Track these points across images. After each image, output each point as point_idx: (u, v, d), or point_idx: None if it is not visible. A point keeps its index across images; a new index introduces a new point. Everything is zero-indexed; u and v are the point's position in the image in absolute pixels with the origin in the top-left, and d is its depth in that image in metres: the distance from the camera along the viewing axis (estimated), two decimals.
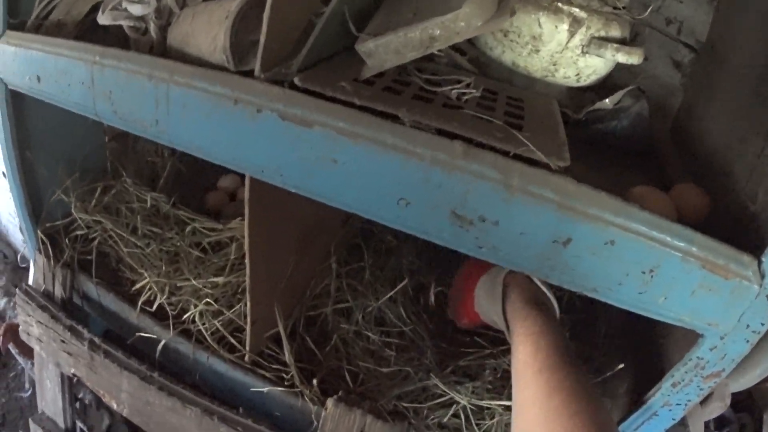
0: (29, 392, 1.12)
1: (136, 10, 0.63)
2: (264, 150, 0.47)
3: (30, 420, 0.80)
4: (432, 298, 0.71)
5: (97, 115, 0.60)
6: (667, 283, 0.45)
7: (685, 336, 0.54)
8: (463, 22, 0.41)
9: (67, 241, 0.75)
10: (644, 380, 0.62)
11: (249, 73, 0.48)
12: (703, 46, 0.75)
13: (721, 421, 0.78)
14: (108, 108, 0.58)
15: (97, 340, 0.67)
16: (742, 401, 0.78)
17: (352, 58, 0.49)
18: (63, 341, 0.69)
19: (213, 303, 0.64)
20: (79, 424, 0.88)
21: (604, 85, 0.67)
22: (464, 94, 0.46)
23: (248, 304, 0.60)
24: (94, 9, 0.73)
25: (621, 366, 0.61)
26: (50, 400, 0.80)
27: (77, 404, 0.92)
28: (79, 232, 0.75)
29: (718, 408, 0.72)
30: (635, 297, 0.46)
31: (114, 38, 0.68)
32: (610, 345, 0.71)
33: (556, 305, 0.57)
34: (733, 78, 0.67)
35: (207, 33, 0.51)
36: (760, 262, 0.45)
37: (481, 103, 0.47)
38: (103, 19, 0.66)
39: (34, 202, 0.78)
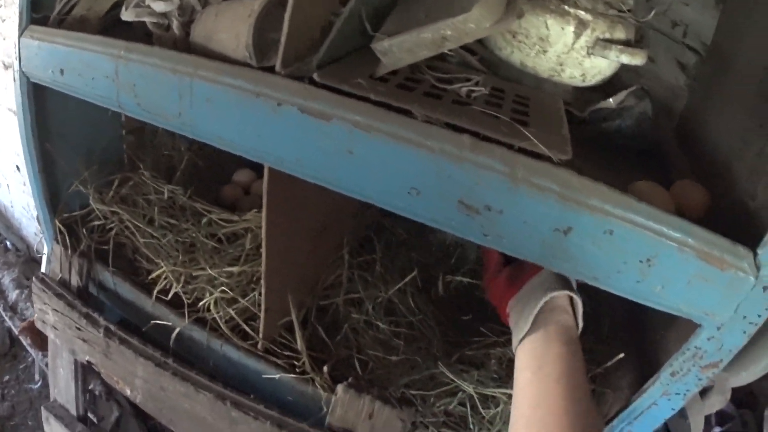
0: (39, 384, 1.17)
1: (159, 6, 0.68)
2: (284, 141, 0.51)
3: (42, 407, 0.85)
4: (441, 289, 0.75)
5: (120, 107, 0.64)
6: (664, 273, 0.49)
7: (685, 327, 0.58)
8: (473, 23, 0.46)
9: (84, 231, 0.80)
10: (646, 373, 0.65)
11: (270, 69, 0.52)
12: (708, 48, 0.79)
13: (722, 416, 0.82)
14: (132, 100, 0.63)
15: (112, 327, 0.72)
16: (744, 397, 0.82)
17: (368, 56, 0.53)
18: (78, 328, 0.74)
19: (228, 291, 0.68)
20: (89, 415, 0.92)
21: (611, 86, 0.72)
22: (473, 91, 0.51)
23: (263, 292, 0.64)
24: (116, 5, 0.79)
25: (621, 355, 0.64)
26: (63, 388, 0.84)
27: (87, 395, 0.97)
28: (96, 223, 0.80)
29: (718, 402, 0.75)
30: (633, 286, 0.50)
31: (136, 34, 0.73)
32: (614, 338, 0.75)
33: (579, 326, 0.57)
34: (736, 79, 0.71)
35: (230, 30, 0.56)
36: (755, 255, 0.48)
37: (489, 101, 0.51)
38: (127, 15, 0.71)
39: (52, 193, 0.83)
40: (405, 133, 0.46)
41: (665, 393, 0.61)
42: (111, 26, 0.77)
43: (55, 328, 0.77)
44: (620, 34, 0.62)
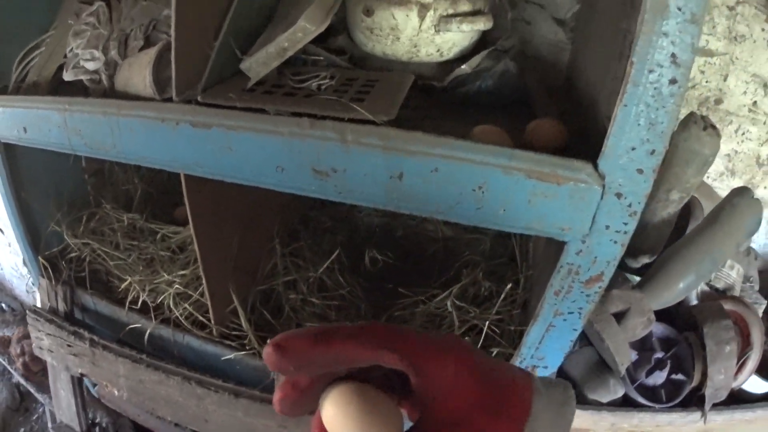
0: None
1: (90, 66, 1.01)
2: (185, 151, 0.80)
3: (50, 429, 1.17)
4: (368, 263, 1.02)
5: (72, 150, 0.96)
6: (500, 196, 0.69)
7: (556, 248, 0.80)
8: (301, 32, 0.74)
9: (63, 263, 1.12)
10: None
11: (170, 99, 0.83)
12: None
13: (667, 342, 1.01)
14: (80, 142, 0.94)
15: (95, 338, 1.03)
16: (688, 320, 1.01)
17: (244, 75, 0.83)
18: (69, 345, 1.05)
19: (181, 287, 0.98)
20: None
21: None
22: (321, 85, 0.78)
23: (204, 283, 0.93)
24: (60, 68, 1.13)
25: (510, 285, 0.88)
26: (65, 407, 1.15)
27: (96, 429, 1.29)
28: (72, 255, 1.13)
29: (641, 324, 0.95)
30: (476, 213, 0.73)
31: (78, 89, 1.07)
32: (529, 281, 0.98)
33: None
34: (601, 19, 0.94)
35: (138, 75, 0.87)
36: (596, 166, 0.64)
37: (338, 89, 0.79)
38: (67, 76, 1.04)
39: (33, 235, 1.16)
40: (263, 126, 0.74)
41: (557, 313, 0.83)
42: (58, 86, 1.11)
43: (51, 351, 1.09)
44: (464, 6, 0.88)
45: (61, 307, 1.10)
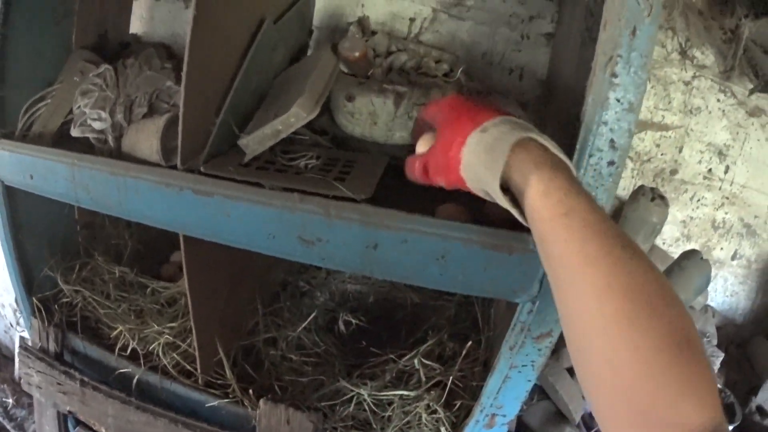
0: None
1: (97, 125, 1.18)
2: (186, 214, 0.96)
3: None
4: (342, 327, 1.19)
5: (77, 202, 1.11)
6: (459, 264, 0.84)
7: (512, 309, 0.96)
8: (293, 118, 0.92)
9: (56, 307, 1.27)
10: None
11: (174, 166, 0.99)
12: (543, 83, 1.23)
13: None
14: (86, 196, 1.09)
15: (86, 378, 1.17)
16: None
17: (240, 149, 1.00)
18: (59, 383, 1.18)
19: (171, 338, 1.13)
20: None
21: None
22: (309, 164, 0.96)
23: (194, 334, 1.08)
24: (63, 124, 1.30)
25: (470, 344, 1.05)
26: None
27: None
28: (65, 300, 1.28)
29: None
30: (440, 278, 0.87)
31: (81, 144, 1.23)
32: (490, 341, 1.15)
33: (575, 171, 0.61)
34: (558, 106, 1.15)
35: (146, 142, 1.04)
36: None
37: (323, 168, 0.96)
38: (75, 132, 1.21)
39: (27, 276, 1.29)
40: (258, 198, 0.90)
41: (512, 366, 0.98)
42: (61, 139, 1.26)
43: (39, 387, 1.21)
44: (436, 95, 1.08)
45: (52, 347, 1.23)
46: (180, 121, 0.93)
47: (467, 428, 1.04)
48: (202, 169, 0.94)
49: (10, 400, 1.65)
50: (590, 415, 1.18)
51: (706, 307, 1.61)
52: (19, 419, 1.62)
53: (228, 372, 1.09)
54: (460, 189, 0.73)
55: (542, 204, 0.55)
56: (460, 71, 1.08)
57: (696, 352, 0.44)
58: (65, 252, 1.34)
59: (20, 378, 1.25)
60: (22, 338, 1.38)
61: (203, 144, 0.98)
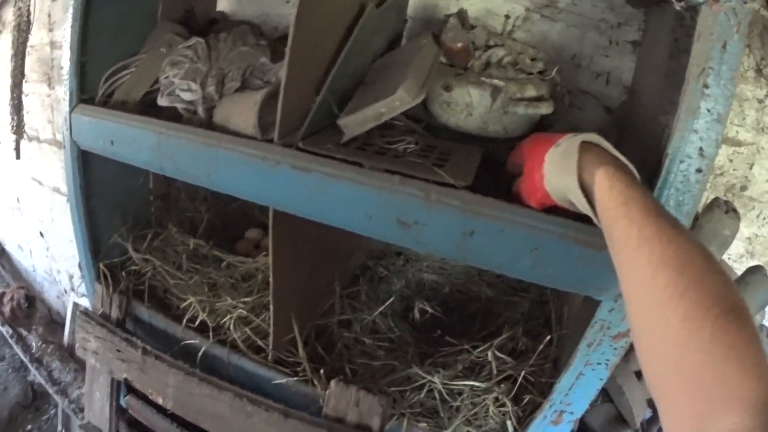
0: None
1: (187, 96, 1.19)
2: (281, 188, 0.97)
3: (78, 427, 1.29)
4: (417, 314, 1.19)
5: (162, 171, 1.12)
6: (551, 258, 0.85)
7: (592, 306, 0.96)
8: (398, 101, 0.93)
9: (123, 274, 1.28)
10: None
11: (270, 140, 1.00)
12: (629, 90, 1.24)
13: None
14: (171, 165, 1.11)
15: (148, 347, 1.17)
16: None
17: (337, 128, 1.01)
18: (119, 350, 1.19)
19: (245, 312, 1.14)
20: None
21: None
22: (407, 149, 0.97)
23: (271, 312, 1.09)
24: (147, 93, 1.32)
25: (545, 342, 1.05)
26: (98, 410, 1.28)
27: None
28: (133, 268, 1.29)
29: None
30: (531, 270, 0.88)
31: (167, 114, 1.24)
32: (562, 340, 1.16)
33: (635, 171, 0.70)
34: (644, 112, 1.15)
35: (241, 115, 1.05)
36: None
37: (420, 154, 0.97)
38: (162, 101, 1.22)
39: (95, 242, 1.31)
40: (358, 177, 0.91)
41: (588, 363, 0.98)
42: (144, 108, 1.29)
43: (96, 353, 1.22)
44: (531, 92, 1.08)
45: (114, 313, 1.24)
46: (281, 95, 0.94)
47: (534, 423, 1.04)
48: (300, 144, 0.95)
49: (57, 365, 1.67)
50: (648, 421, 1.18)
51: (761, 326, 1.60)
52: (63, 384, 1.63)
53: (301, 350, 1.09)
54: (549, 206, 0.83)
55: (607, 196, 0.64)
56: (555, 70, 1.09)
57: (744, 321, 0.48)
58: (137, 221, 1.35)
59: (73, 343, 1.26)
60: (75, 304, 1.39)
61: (301, 121, 0.99)
